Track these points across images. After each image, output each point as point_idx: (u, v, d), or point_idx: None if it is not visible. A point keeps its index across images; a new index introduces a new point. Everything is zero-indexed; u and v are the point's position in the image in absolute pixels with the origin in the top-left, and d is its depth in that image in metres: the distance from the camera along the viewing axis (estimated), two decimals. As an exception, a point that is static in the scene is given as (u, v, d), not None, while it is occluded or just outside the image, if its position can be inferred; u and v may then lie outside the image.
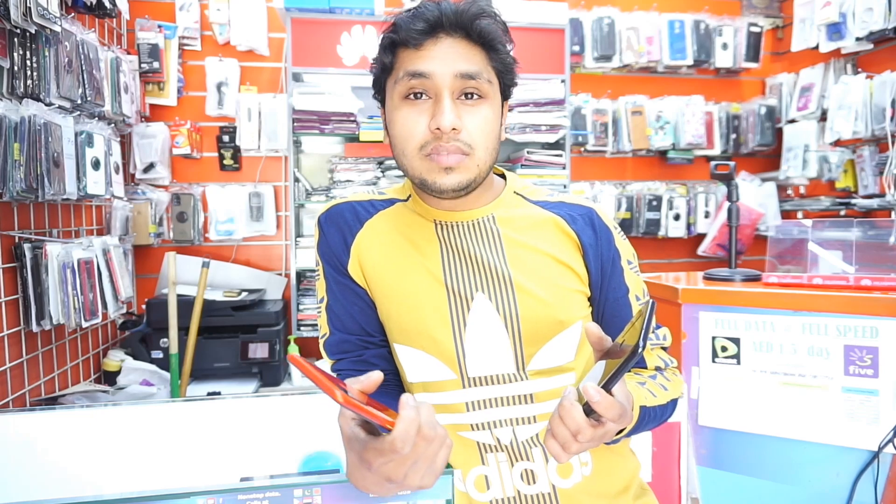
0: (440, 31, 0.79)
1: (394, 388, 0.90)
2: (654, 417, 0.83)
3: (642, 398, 0.79)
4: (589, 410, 0.63)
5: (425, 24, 0.78)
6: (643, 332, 0.59)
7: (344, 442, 0.65)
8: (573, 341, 0.85)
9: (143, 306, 2.30)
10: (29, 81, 1.54)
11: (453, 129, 0.77)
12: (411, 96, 0.80)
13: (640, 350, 0.58)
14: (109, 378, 2.09)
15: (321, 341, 0.93)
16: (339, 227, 0.90)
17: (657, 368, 0.91)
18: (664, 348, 0.94)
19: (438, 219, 0.88)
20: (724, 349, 1.61)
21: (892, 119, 2.31)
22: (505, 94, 0.86)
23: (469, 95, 0.80)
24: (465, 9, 0.79)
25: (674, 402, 0.88)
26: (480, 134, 0.80)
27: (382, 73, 0.84)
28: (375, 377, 0.61)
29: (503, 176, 0.95)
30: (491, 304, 0.84)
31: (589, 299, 0.89)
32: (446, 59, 0.78)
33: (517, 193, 0.92)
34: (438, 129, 0.77)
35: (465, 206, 0.87)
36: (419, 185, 0.83)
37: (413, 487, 0.60)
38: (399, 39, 0.80)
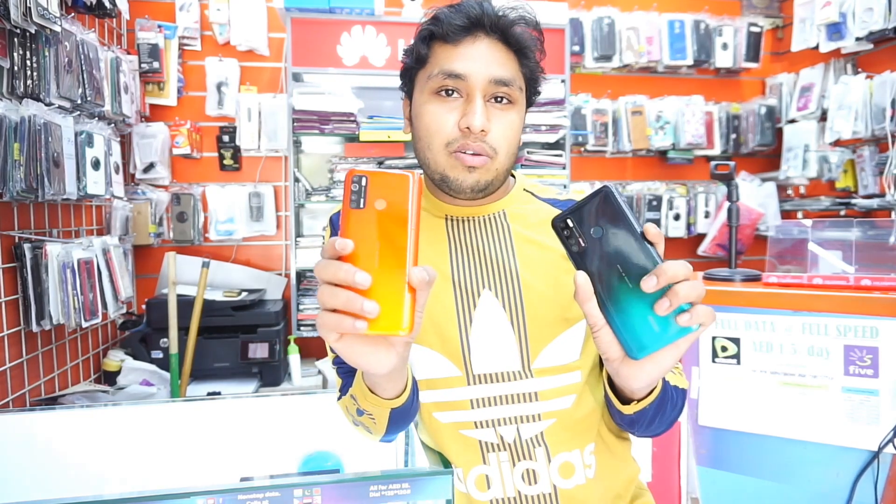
0: (479, 30, 0.80)
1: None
2: (671, 398, 0.79)
3: None
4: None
5: (466, 21, 0.79)
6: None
7: None
8: (578, 340, 0.85)
9: (143, 306, 2.30)
10: (29, 81, 1.54)
11: (482, 130, 0.78)
12: (443, 92, 0.80)
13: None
14: (109, 378, 2.09)
15: None
16: None
17: None
18: None
19: (450, 214, 0.89)
20: (724, 349, 1.61)
21: (892, 119, 2.31)
22: (529, 101, 0.87)
23: (499, 99, 0.81)
24: (507, 13, 0.80)
25: (684, 393, 0.87)
26: (504, 139, 0.81)
27: (416, 64, 0.84)
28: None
29: (512, 175, 0.96)
30: (497, 300, 0.84)
31: None
32: (482, 61, 0.79)
33: (527, 191, 0.93)
34: (468, 128, 0.77)
35: (477, 202, 0.88)
36: (439, 181, 0.83)
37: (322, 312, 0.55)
38: (438, 32, 0.80)
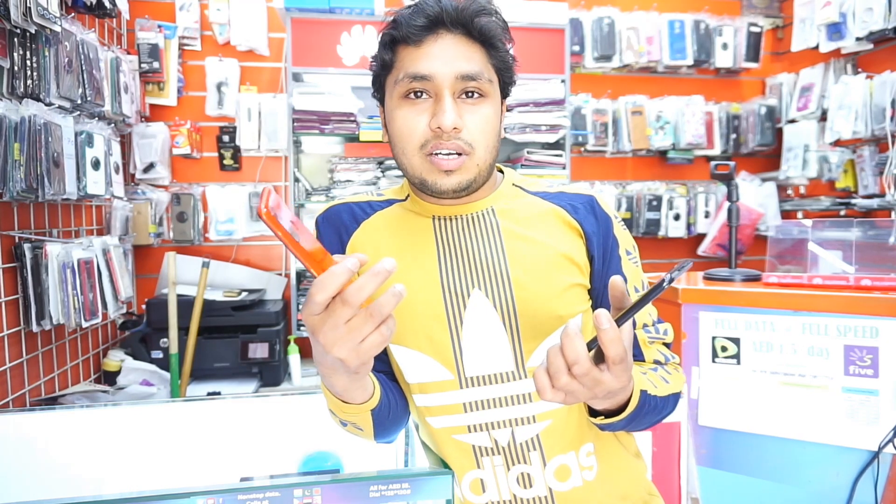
0: (441, 27, 0.78)
1: (393, 387, 0.90)
2: (654, 408, 0.80)
3: (643, 384, 0.77)
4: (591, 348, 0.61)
5: (426, 20, 0.78)
6: (669, 274, 0.57)
7: None
8: None
9: (143, 306, 2.30)
10: (29, 81, 1.54)
11: (454, 128, 0.76)
12: (411, 95, 0.79)
13: (664, 284, 0.56)
14: (109, 378, 2.09)
15: None
16: (336, 228, 0.90)
17: (656, 362, 0.89)
18: (666, 344, 0.92)
19: (437, 214, 0.87)
20: (724, 349, 1.61)
21: (892, 119, 2.31)
22: (504, 93, 0.86)
23: (470, 94, 0.79)
24: (466, 6, 0.78)
25: (675, 397, 0.86)
26: (481, 133, 0.79)
27: (382, 71, 0.83)
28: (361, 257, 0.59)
29: (500, 171, 0.94)
30: (488, 300, 0.83)
31: (589, 292, 0.88)
32: (447, 58, 0.77)
33: (516, 185, 0.91)
34: (439, 128, 0.76)
35: (464, 200, 0.87)
36: (419, 184, 0.82)
37: (333, 354, 0.57)
38: (399, 36, 0.79)
